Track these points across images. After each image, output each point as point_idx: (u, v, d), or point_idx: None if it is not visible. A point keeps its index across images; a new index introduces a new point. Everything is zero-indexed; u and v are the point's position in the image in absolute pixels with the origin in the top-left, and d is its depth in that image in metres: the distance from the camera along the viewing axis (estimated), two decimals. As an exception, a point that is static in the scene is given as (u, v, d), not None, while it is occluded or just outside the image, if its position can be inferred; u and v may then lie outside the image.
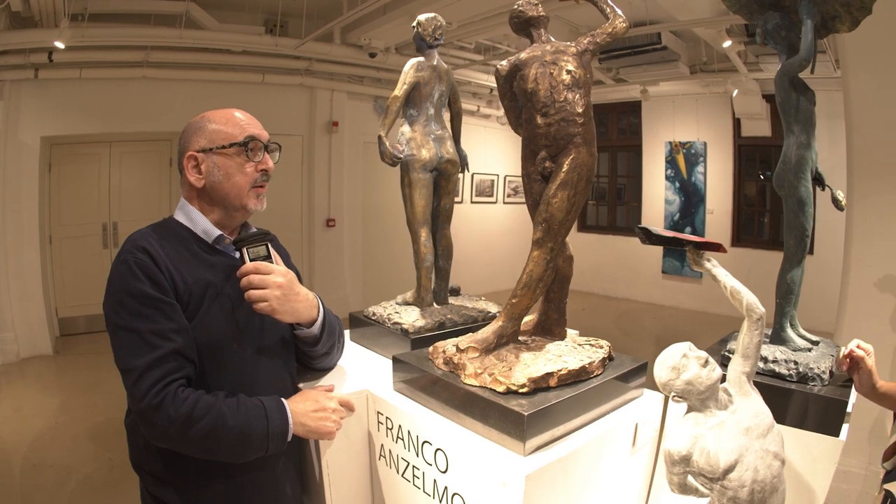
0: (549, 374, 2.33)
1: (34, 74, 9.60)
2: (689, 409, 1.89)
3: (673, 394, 1.85)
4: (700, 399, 1.85)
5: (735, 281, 2.03)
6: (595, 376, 2.47)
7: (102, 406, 7.32)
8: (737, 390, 1.94)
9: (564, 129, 2.50)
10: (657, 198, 15.60)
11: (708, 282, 14.12)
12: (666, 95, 14.47)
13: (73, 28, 8.95)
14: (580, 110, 2.50)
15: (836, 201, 3.28)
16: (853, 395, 2.90)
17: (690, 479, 1.86)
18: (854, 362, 2.57)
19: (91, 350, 10.05)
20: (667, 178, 15.28)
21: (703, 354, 1.86)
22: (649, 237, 2.16)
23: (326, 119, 12.93)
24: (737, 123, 14.04)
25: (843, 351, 2.60)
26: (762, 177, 14.06)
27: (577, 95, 2.52)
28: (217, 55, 11.06)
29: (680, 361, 1.84)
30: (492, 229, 16.07)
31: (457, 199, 14.22)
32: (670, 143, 15.03)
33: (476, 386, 2.32)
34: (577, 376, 2.41)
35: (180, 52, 10.63)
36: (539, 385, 2.28)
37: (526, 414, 2.08)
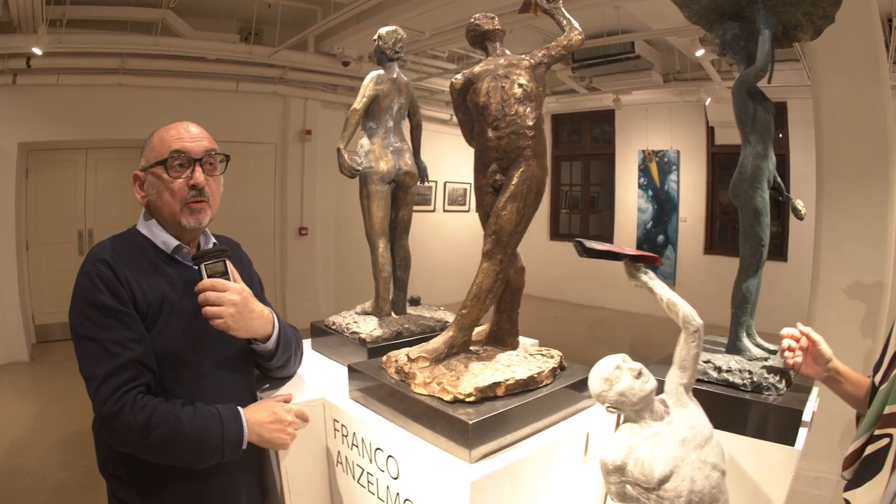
0: (497, 384, 2.36)
1: (12, 80, 9.61)
2: (625, 420, 1.91)
3: (607, 405, 1.86)
4: (634, 410, 1.87)
5: (671, 293, 2.05)
6: (544, 386, 2.50)
7: (78, 413, 7.25)
8: (674, 402, 1.96)
9: (515, 142, 2.54)
10: (630, 206, 15.69)
11: (681, 289, 14.13)
12: (639, 104, 14.53)
13: (50, 34, 8.91)
14: (531, 123, 2.54)
15: (795, 210, 3.34)
16: (817, 402, 2.97)
17: (629, 488, 1.87)
18: (802, 345, 2.43)
19: (67, 357, 9.69)
20: (640, 186, 15.35)
21: (637, 366, 1.88)
22: (585, 251, 2.20)
23: (300, 127, 12.97)
24: (710, 132, 14.10)
25: (784, 344, 2.46)
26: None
27: (528, 109, 2.55)
28: (192, 63, 11.08)
29: (613, 373, 1.86)
30: (465, 237, 16.02)
31: (428, 208, 14.21)
32: (643, 151, 15.12)
33: (425, 395, 2.36)
34: (524, 386, 2.44)
35: (156, 60, 10.65)
36: (486, 394, 2.32)
37: (471, 422, 2.12)
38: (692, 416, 1.95)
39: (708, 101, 12.96)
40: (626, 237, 15.64)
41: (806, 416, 2.68)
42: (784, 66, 10.13)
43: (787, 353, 2.38)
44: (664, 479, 1.78)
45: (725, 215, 14.24)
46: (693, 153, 14.45)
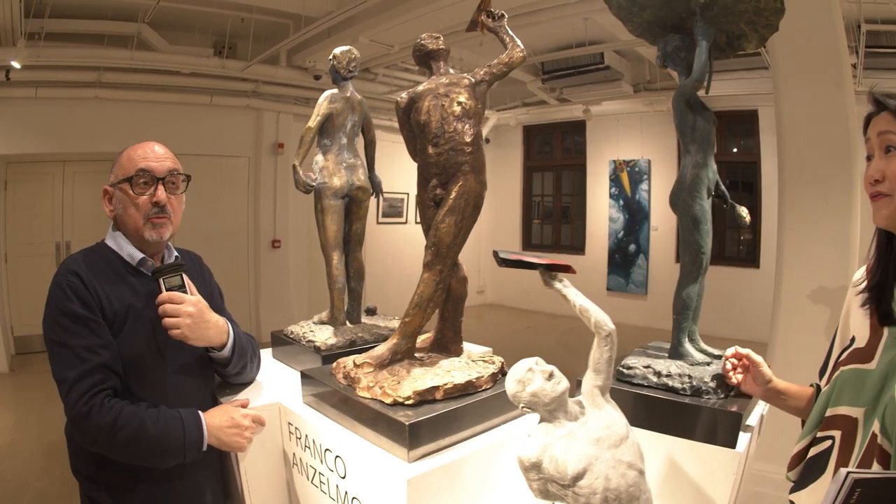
0: (435, 388, 2.47)
1: (-8, 92, 9.47)
2: (541, 420, 1.97)
3: (521, 405, 1.94)
4: (548, 410, 1.93)
5: (585, 300, 2.11)
6: (483, 390, 2.60)
7: (57, 423, 7.18)
8: (590, 403, 2.02)
9: (453, 157, 2.63)
10: (601, 216, 15.68)
11: (653, 298, 14.22)
12: (610, 114, 14.53)
13: (29, 47, 9.04)
14: (469, 140, 2.64)
15: (739, 217, 3.37)
16: (767, 406, 2.98)
17: (551, 486, 1.93)
18: (742, 364, 2.54)
19: (47, 368, 9.68)
20: (611, 196, 15.38)
21: (549, 368, 1.94)
22: (503, 261, 2.26)
23: (272, 141, 13.07)
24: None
25: (726, 364, 2.59)
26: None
27: (467, 126, 2.65)
28: (167, 76, 11.13)
29: (525, 375, 1.92)
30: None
31: (401, 220, 14.21)
32: (614, 161, 15.15)
33: (368, 398, 2.48)
34: (463, 390, 2.54)
35: (132, 74, 10.70)
36: (425, 398, 2.42)
37: (408, 423, 2.24)
38: (607, 416, 2.01)
39: None
40: (597, 247, 15.68)
41: (753, 420, 2.75)
42: (754, 73, 10.22)
43: (729, 373, 2.50)
44: (578, 477, 1.83)
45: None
46: (664, 162, 14.44)
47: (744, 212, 3.37)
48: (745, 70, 10.49)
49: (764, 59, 8.49)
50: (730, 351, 2.54)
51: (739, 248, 13.82)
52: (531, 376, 1.91)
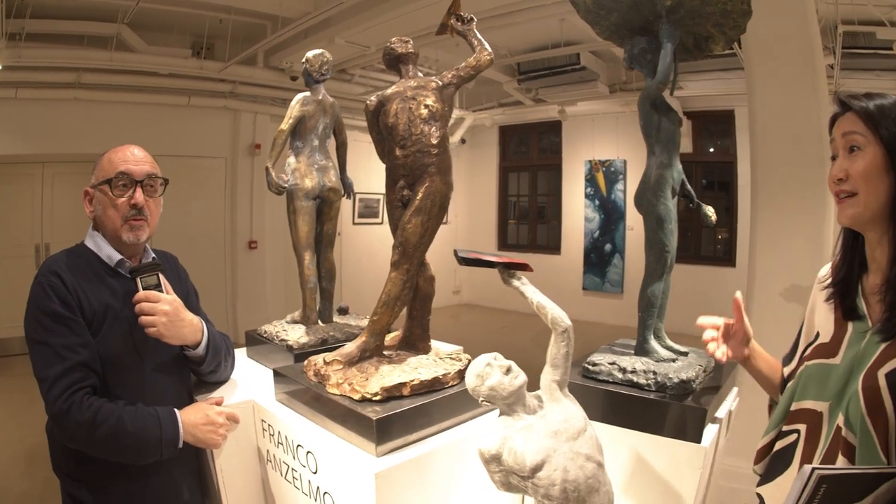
0: (402, 384, 2.53)
1: (-29, 94, 9.50)
2: (501, 413, 2.03)
3: (481, 398, 1.98)
4: (506, 403, 1.98)
5: (542, 297, 2.16)
6: (450, 386, 2.66)
7: (38, 426, 7.11)
8: (548, 397, 2.07)
9: (420, 159, 2.69)
10: (577, 216, 15.72)
11: (629, 297, 14.04)
12: (586, 115, 14.62)
13: (10, 48, 9.03)
14: (435, 142, 2.70)
15: (705, 217, 3.41)
16: (736, 402, 3.10)
17: (513, 478, 1.97)
18: (729, 327, 2.39)
19: (27, 371, 9.59)
20: (586, 196, 15.39)
21: (507, 363, 1.99)
22: (463, 260, 2.33)
23: (249, 141, 13.06)
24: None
25: (707, 335, 2.40)
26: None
27: (434, 128, 2.71)
28: (146, 77, 11.09)
29: (484, 370, 1.97)
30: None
31: (376, 220, 14.16)
32: (590, 161, 15.18)
33: (337, 395, 2.53)
34: (429, 386, 2.60)
35: (111, 75, 10.67)
36: (392, 394, 2.49)
37: (375, 419, 2.29)
38: (565, 410, 2.05)
39: None
40: (573, 246, 15.72)
41: (721, 412, 2.83)
42: (731, 74, 10.26)
43: (710, 347, 2.38)
44: (536, 468, 1.88)
45: (686, 223, 14.26)
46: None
47: (710, 211, 3.41)
48: (722, 70, 10.55)
49: (739, 59, 8.58)
50: (705, 320, 2.42)
51: (716, 247, 13.86)
52: (489, 371, 1.96)
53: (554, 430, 1.96)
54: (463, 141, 17.46)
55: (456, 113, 15.49)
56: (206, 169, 12.45)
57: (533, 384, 2.14)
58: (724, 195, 13.04)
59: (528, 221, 17.66)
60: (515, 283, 2.18)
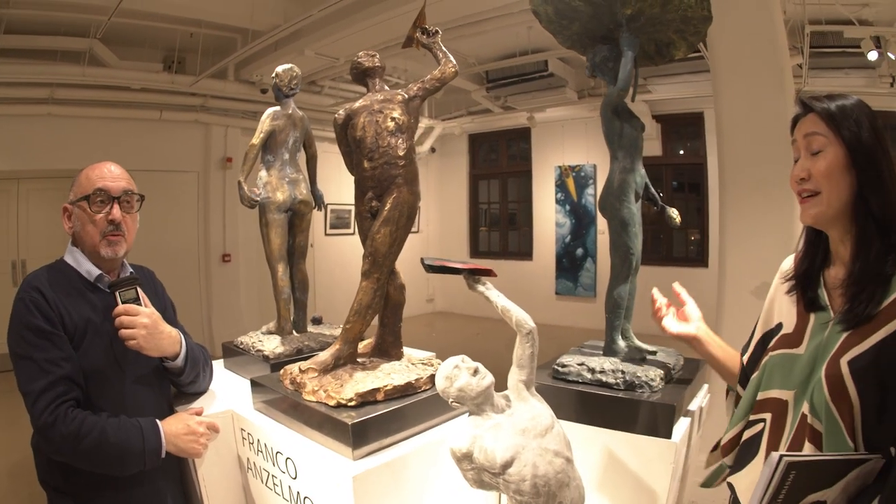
0: (376, 390, 2.61)
1: (-56, 111, 9.45)
2: (470, 413, 2.10)
3: (451, 400, 2.05)
4: (475, 403, 2.05)
5: (506, 301, 2.24)
6: (423, 391, 2.74)
7: (19, 443, 7.00)
8: (515, 396, 2.14)
9: (387, 171, 2.77)
10: (548, 221, 15.84)
11: (601, 300, 14.38)
12: (555, 121, 14.76)
13: (-18, 64, 8.82)
14: (402, 153, 2.78)
15: (669, 219, 3.49)
16: (707, 398, 3.21)
17: (485, 476, 2.04)
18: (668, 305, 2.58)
19: (6, 388, 9.47)
20: (557, 201, 15.49)
21: (475, 365, 2.06)
22: (430, 268, 2.40)
23: (221, 155, 13.08)
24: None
25: (655, 306, 2.60)
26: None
27: (400, 140, 2.80)
28: (118, 92, 11.12)
29: (452, 372, 2.04)
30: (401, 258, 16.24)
31: (347, 231, 14.07)
32: (560, 167, 15.24)
33: (314, 401, 2.61)
34: (403, 391, 2.68)
35: (84, 90, 10.71)
36: (366, 399, 2.56)
37: (350, 423, 2.38)
38: (532, 408, 2.12)
39: None
40: (545, 252, 15.78)
41: (693, 406, 2.94)
42: (700, 76, 10.36)
43: (658, 313, 2.56)
44: (507, 465, 1.95)
45: (650, 226, 14.34)
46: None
47: (674, 213, 3.48)
48: (690, 73, 10.68)
49: (707, 62, 8.66)
50: (657, 294, 2.61)
51: (689, 248, 13.93)
52: (458, 373, 2.02)
53: (522, 427, 2.03)
54: (433, 150, 17.50)
55: (425, 122, 15.62)
56: (179, 183, 12.43)
57: (503, 385, 2.21)
58: (696, 196, 13.16)
59: (499, 228, 17.78)
60: (480, 288, 2.25)
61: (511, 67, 12.38)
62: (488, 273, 2.31)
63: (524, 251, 16.71)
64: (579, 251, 15.01)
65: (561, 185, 15.31)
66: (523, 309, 2.26)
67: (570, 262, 15.20)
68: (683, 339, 2.48)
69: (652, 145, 13.58)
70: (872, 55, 8.94)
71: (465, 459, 2.02)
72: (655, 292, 2.60)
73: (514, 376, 2.17)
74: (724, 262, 5.76)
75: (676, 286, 2.58)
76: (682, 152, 14.02)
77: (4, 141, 10.30)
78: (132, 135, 11.53)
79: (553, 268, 15.68)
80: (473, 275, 2.31)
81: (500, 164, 17.62)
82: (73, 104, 10.83)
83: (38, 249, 11.03)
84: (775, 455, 1.56)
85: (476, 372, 2.04)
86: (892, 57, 9.34)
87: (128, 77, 10.80)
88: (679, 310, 2.54)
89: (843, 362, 1.74)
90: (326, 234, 14.57)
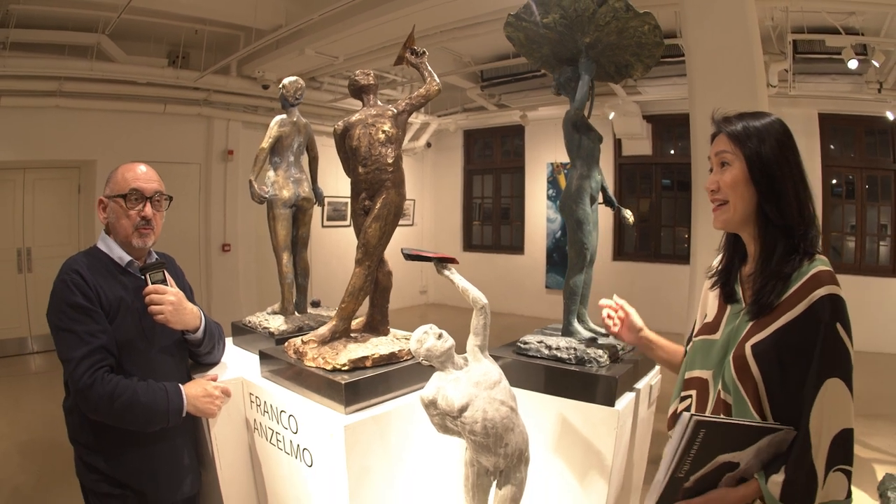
0: (365, 357, 3.11)
1: (-45, 102, 9.89)
2: (436, 370, 2.54)
3: (421, 358, 2.51)
4: (440, 361, 2.49)
5: (465, 282, 2.66)
6: (405, 360, 3.23)
7: (26, 424, 7.48)
8: (472, 357, 2.56)
9: (378, 175, 3.21)
10: (539, 217, 16.21)
11: (592, 295, 14.43)
12: (548, 119, 14.81)
13: (-5, 58, 9.26)
14: (391, 161, 3.23)
15: (623, 219, 3.91)
16: (659, 377, 3.64)
17: (448, 423, 2.48)
18: (616, 312, 2.92)
19: (10, 372, 10.04)
20: (549, 197, 15.86)
21: (439, 331, 2.50)
22: (407, 256, 2.82)
23: (222, 147, 13.24)
24: (617, 143, 14.48)
25: (604, 312, 2.94)
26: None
27: (389, 150, 3.24)
28: (124, 86, 11.34)
29: (422, 336, 2.48)
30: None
31: (344, 223, 14.26)
32: (552, 164, 15.62)
33: (313, 367, 3.10)
34: (388, 360, 3.20)
35: (91, 83, 10.90)
36: (357, 365, 3.06)
37: (343, 383, 2.88)
38: (484, 367, 2.54)
39: (611, 115, 13.37)
40: (536, 247, 16.07)
41: (640, 384, 3.38)
42: (685, 80, 10.72)
43: (607, 321, 2.91)
44: (463, 409, 2.38)
45: (646, 223, 14.66)
46: (601, 164, 14.40)
47: (628, 213, 3.91)
48: (679, 76, 10.81)
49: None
50: (605, 301, 2.95)
51: (676, 246, 14.24)
52: (426, 337, 2.47)
53: (475, 381, 2.46)
54: (429, 144, 17.68)
55: (421, 118, 15.83)
56: (181, 174, 12.67)
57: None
58: (685, 195, 13.21)
59: (492, 222, 18.01)
60: (446, 272, 2.70)
61: (505, 67, 12.70)
62: (452, 260, 2.73)
63: (516, 245, 17.10)
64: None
65: (553, 182, 15.57)
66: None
67: (561, 257, 15.45)
68: (634, 345, 2.93)
69: (642, 145, 14.04)
70: (853, 63, 9.20)
71: (431, 406, 2.47)
72: (603, 301, 2.96)
73: (471, 341, 2.59)
74: (696, 260, 6.13)
75: (616, 298, 2.94)
76: (672, 152, 14.27)
77: (13, 132, 10.53)
78: (137, 127, 11.88)
79: (543, 262, 15.93)
80: (441, 262, 2.72)
81: (494, 160, 17.91)
82: (80, 97, 11.01)
83: (43, 237, 11.39)
84: (686, 414, 1.84)
85: (440, 336, 2.48)
86: (877, 64, 9.57)
87: (134, 72, 11.13)
88: (624, 319, 2.89)
89: (748, 346, 2.05)
90: (323, 227, 14.68)
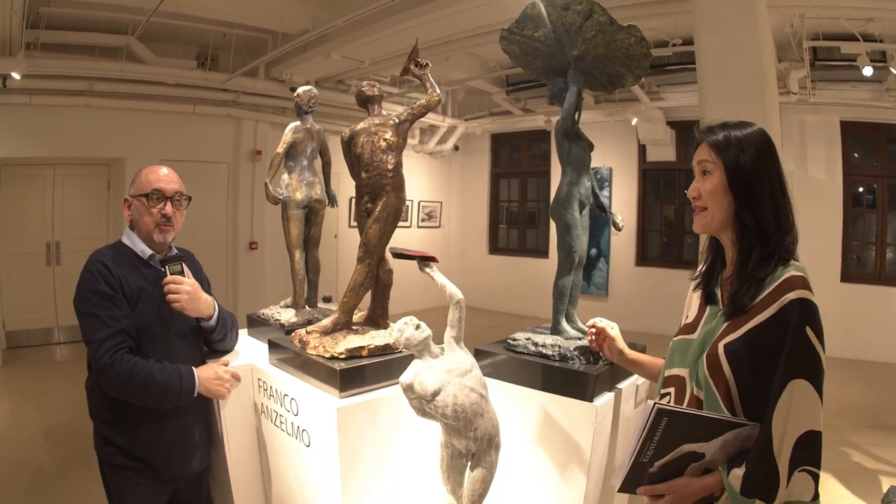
0: (362, 347, 3.35)
1: (-12, 99, 10.10)
2: (415, 357, 2.74)
3: (401, 346, 2.73)
4: (418, 350, 2.69)
5: (443, 279, 2.85)
6: (398, 352, 3.45)
7: (51, 410, 7.78)
8: (448, 347, 2.76)
9: (379, 180, 3.43)
10: (565, 221, 16.05)
11: (613, 300, 14.65)
12: (574, 124, 14.72)
13: (27, 58, 9.50)
14: (391, 167, 3.44)
15: (614, 224, 4.06)
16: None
17: (425, 406, 2.66)
18: (598, 335, 3.18)
19: (37, 361, 10.60)
20: (574, 201, 15.67)
21: (417, 322, 2.70)
22: (397, 255, 3.04)
23: (251, 148, 13.47)
24: (642, 149, 14.53)
25: (588, 330, 3.23)
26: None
27: (390, 157, 3.45)
28: (153, 87, 11.58)
29: (402, 326, 2.68)
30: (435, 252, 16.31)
31: (405, 224, 14.39)
32: (578, 169, 15.46)
33: (314, 355, 3.34)
34: (382, 350, 3.43)
35: (121, 84, 11.14)
36: (353, 354, 3.31)
37: (339, 369, 3.13)
38: (458, 356, 2.72)
39: (634, 121, 13.46)
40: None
41: (623, 385, 3.50)
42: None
43: (591, 340, 3.22)
44: (435, 393, 2.58)
45: (670, 229, 14.75)
46: (625, 170, 14.91)
47: (618, 218, 4.07)
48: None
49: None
50: (590, 322, 3.21)
51: (698, 252, 13.95)
52: (405, 327, 2.67)
53: (448, 368, 2.66)
54: (456, 148, 17.80)
55: (448, 122, 15.93)
56: (210, 173, 13.01)
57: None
58: None
59: (518, 226, 18.02)
60: (427, 269, 2.92)
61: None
62: (433, 259, 2.94)
63: (541, 249, 17.11)
64: (593, 251, 15.43)
65: (579, 187, 15.42)
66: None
67: (586, 262, 14.71)
68: (620, 364, 3.15)
69: (666, 151, 14.07)
70: (867, 71, 9.11)
71: (408, 390, 2.67)
72: (590, 322, 3.23)
73: (448, 333, 2.79)
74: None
75: (598, 322, 3.20)
76: (694, 157, 14.14)
77: (43, 129, 10.79)
78: (166, 126, 12.16)
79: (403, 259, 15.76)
80: (423, 260, 2.93)
81: (520, 164, 17.93)
82: (109, 97, 11.26)
83: (71, 231, 11.76)
84: (650, 402, 1.90)
85: (418, 327, 2.69)
86: (895, 71, 9.55)
87: (163, 73, 11.35)
88: (609, 340, 3.13)
89: (721, 346, 2.11)
90: (350, 227, 14.78)
